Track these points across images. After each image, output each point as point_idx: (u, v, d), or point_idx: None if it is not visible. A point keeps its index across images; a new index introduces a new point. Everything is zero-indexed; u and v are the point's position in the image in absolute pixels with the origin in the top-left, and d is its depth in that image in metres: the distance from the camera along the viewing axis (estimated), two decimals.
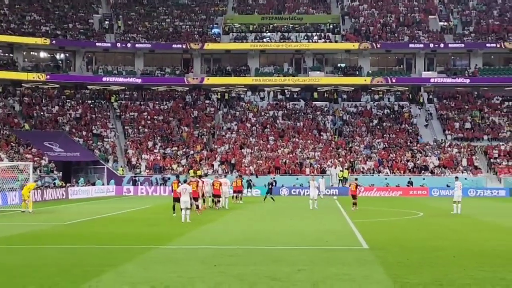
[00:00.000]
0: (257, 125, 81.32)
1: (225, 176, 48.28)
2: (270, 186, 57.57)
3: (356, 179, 45.18)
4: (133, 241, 23.97)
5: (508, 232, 28.17)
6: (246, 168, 71.11)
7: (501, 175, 70.15)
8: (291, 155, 74.10)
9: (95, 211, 40.62)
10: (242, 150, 75.24)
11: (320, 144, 76.83)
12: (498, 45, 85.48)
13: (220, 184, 42.77)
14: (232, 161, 72.56)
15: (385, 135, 79.00)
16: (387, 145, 76.58)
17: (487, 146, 76.04)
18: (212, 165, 71.71)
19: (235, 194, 51.00)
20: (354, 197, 41.88)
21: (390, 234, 26.84)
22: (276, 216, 37.12)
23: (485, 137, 78.46)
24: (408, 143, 77.12)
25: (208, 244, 23.09)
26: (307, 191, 62.01)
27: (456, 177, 42.96)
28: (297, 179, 69.37)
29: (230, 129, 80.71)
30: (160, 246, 22.26)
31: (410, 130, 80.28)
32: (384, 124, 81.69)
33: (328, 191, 64.22)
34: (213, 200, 43.11)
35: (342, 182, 68.86)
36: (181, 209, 31.56)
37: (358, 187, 43.17)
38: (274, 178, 65.25)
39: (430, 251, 21.13)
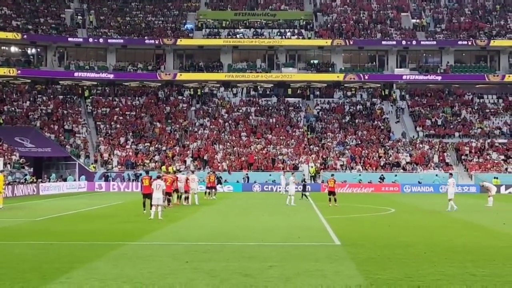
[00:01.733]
0: (230, 121, 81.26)
1: (193, 172, 48.15)
2: (304, 183, 56.58)
3: (332, 175, 45.25)
4: (104, 238, 23.85)
5: (478, 228, 28.38)
6: (219, 164, 71.05)
7: (472, 172, 70.69)
8: (263, 151, 74.14)
9: (66, 207, 40.36)
10: (215, 146, 75.18)
11: (293, 140, 76.96)
12: (470, 43, 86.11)
13: (187, 180, 42.71)
14: (205, 157, 72.46)
15: (357, 131, 79.30)
16: (359, 142, 76.89)
17: (458, 142, 76.60)
18: (185, 161, 71.58)
19: (207, 190, 50.97)
20: (332, 193, 41.97)
21: (362, 230, 26.94)
22: (248, 212, 37.14)
23: (456, 133, 79.06)
24: (381, 140, 77.49)
25: (179, 240, 23.03)
26: (279, 187, 62.14)
27: (450, 174, 42.79)
28: (269, 175, 69.40)
29: (202, 125, 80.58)
30: (131, 243, 22.14)
31: (382, 127, 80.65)
32: (357, 120, 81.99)
33: (300, 187, 64.16)
34: (185, 197, 43.01)
35: (314, 178, 68.97)
36: (152, 205, 31.31)
37: (336, 183, 43.26)
38: (304, 176, 63.29)
39: (401, 247, 21.24)
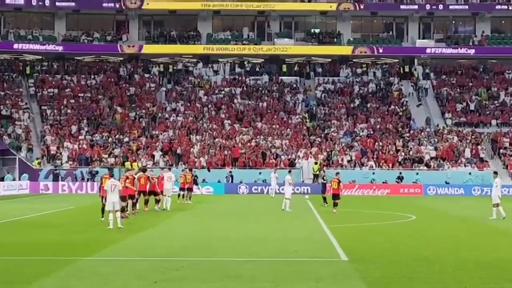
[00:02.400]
0: (210, 106, 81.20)
1: (170, 169, 48.31)
2: (324, 181, 56.19)
3: (337, 173, 45.04)
4: (52, 252, 23.80)
5: None
6: (196, 160, 70.99)
7: None
8: (251, 144, 74.09)
9: (3, 214, 40.23)
10: (191, 137, 75.10)
11: (289, 129, 76.97)
12: (511, 7, 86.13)
13: (161, 179, 42.77)
14: (178, 151, 72.38)
15: (369, 118, 79.34)
16: (372, 132, 76.89)
17: (495, 133, 76.78)
18: (153, 156, 71.49)
19: (182, 192, 51.00)
20: (336, 196, 41.83)
21: (375, 242, 27.02)
22: (232, 220, 37.24)
23: (494, 121, 79.24)
24: (398, 129, 77.53)
25: (146, 255, 23.09)
26: (271, 188, 62.15)
27: (495, 172, 42.11)
28: (259, 173, 69.39)
29: (175, 111, 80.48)
30: (86, 258, 22.12)
31: (401, 113, 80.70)
32: (369, 105, 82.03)
33: (298, 189, 64.33)
34: (157, 200, 42.94)
35: (315, 178, 68.78)
36: (109, 212, 31.27)
37: (341, 184, 42.91)
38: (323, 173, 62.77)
39: (424, 263, 21.33)
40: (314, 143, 74.49)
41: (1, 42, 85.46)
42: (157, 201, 42.71)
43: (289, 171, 48.69)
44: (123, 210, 35.40)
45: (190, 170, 55.59)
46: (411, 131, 77.31)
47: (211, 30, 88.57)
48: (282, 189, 47.40)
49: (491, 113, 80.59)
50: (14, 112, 78.22)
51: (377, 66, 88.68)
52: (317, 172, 68.49)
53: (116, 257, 22.73)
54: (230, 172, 69.61)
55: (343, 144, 74.38)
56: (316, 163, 69.52)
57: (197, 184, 62.79)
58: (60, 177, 69.36)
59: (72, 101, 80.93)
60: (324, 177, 52.26)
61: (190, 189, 51.60)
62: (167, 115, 79.83)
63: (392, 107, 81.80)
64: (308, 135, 76.63)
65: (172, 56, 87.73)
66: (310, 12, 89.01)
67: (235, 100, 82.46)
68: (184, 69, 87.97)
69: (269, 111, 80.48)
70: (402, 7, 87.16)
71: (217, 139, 74.82)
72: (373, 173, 69.94)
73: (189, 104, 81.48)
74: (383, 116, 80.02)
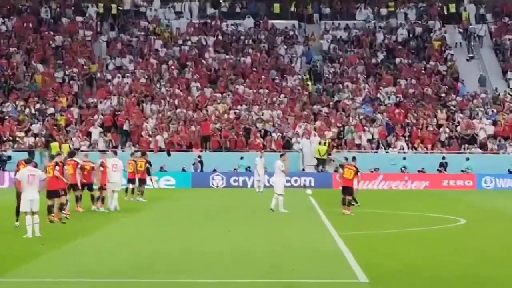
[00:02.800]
0: (170, 63, 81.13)
1: (116, 153, 48.47)
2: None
3: (354, 158, 45.08)
4: None
5: None
6: (150, 139, 70.90)
7: None
8: (230, 116, 74.07)
9: None
10: (143, 107, 75.01)
11: (283, 96, 76.97)
12: None
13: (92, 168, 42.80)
14: (125, 127, 72.28)
15: (399, 80, 79.39)
16: (402, 99, 76.94)
17: None
18: (89, 134, 71.38)
19: (131, 186, 51.25)
20: (348, 190, 42.03)
21: (406, 256, 27.21)
22: (201, 225, 37.45)
23: None
24: (441, 95, 77.59)
25: (81, 274, 23.10)
26: (257, 180, 62.28)
27: None
28: (241, 158, 69.45)
29: (120, 70, 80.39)
30: None
31: (444, 72, 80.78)
32: (398, 60, 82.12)
33: (296, 180, 64.55)
34: (98, 197, 43.07)
35: (321, 165, 68.94)
36: (25, 214, 31.18)
37: (359, 173, 42.85)
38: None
39: (476, 285, 21.50)
40: (319, 115, 74.50)
41: None
42: (95, 198, 42.81)
43: (282, 155, 48.60)
44: (50, 211, 35.58)
45: (143, 154, 55.62)
46: (459, 98, 77.35)
47: None
48: (273, 181, 47.54)
49: None
50: None
51: (410, 5, 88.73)
52: (324, 156, 68.82)
53: (37, 278, 22.72)
54: (199, 156, 69.73)
55: (361, 117, 74.43)
56: (322, 144, 69.64)
57: (150, 174, 62.89)
58: None
59: None
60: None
61: (142, 181, 51.85)
62: (109, 76, 79.75)
63: (432, 63, 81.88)
64: (310, 103, 76.64)
65: None
66: None
67: (207, 55, 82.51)
68: (133, 9, 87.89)
69: (254, 69, 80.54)
70: None
71: (180, 110, 74.74)
72: (404, 158, 70.07)
73: (140, 60, 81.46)
74: (418, 76, 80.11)
